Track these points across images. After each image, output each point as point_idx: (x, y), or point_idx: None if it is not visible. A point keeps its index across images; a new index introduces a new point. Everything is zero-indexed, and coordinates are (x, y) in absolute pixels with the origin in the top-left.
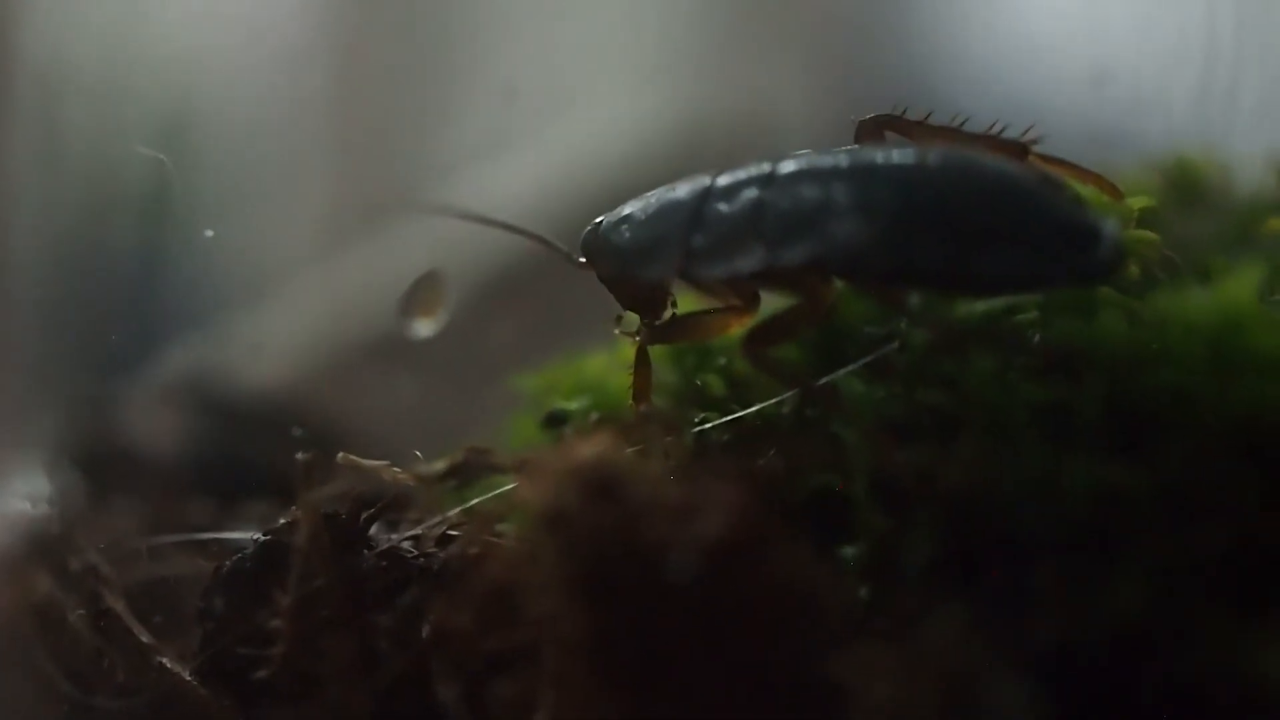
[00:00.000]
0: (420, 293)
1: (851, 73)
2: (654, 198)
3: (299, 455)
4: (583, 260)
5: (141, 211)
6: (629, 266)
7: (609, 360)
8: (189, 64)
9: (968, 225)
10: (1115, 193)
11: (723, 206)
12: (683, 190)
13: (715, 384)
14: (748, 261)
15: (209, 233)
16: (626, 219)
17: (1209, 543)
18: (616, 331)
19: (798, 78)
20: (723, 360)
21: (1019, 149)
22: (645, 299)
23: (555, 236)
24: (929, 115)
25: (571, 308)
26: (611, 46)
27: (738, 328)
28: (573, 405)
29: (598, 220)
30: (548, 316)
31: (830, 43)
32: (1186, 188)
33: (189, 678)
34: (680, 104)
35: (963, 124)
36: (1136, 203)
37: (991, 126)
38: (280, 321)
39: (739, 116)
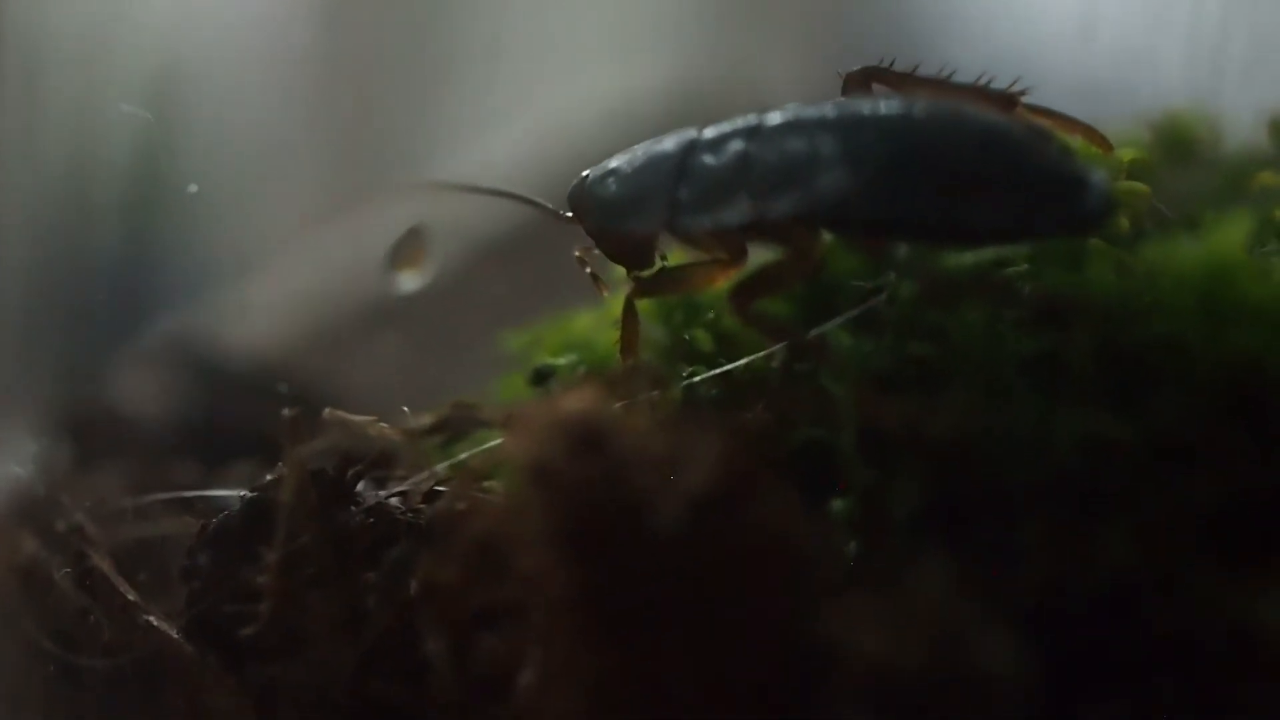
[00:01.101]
0: (406, 245)
1: (841, 32)
2: (640, 151)
3: (285, 411)
4: (569, 215)
5: (128, 176)
6: (615, 219)
7: (597, 317)
8: (174, 26)
9: (955, 175)
10: (1104, 144)
11: (709, 159)
12: (669, 143)
13: (703, 339)
14: (734, 214)
15: (193, 188)
16: (613, 172)
17: (1199, 493)
18: (605, 295)
19: (787, 39)
20: (711, 315)
21: (1007, 100)
22: (632, 252)
23: (544, 200)
24: (916, 68)
25: (560, 269)
26: (600, 10)
27: (724, 281)
28: (560, 361)
29: (584, 174)
30: (537, 278)
31: (818, 6)
32: (1176, 143)
33: (175, 635)
34: (669, 68)
35: (950, 76)
36: (1126, 154)
37: (979, 78)
38: (268, 284)
39: (728, 79)
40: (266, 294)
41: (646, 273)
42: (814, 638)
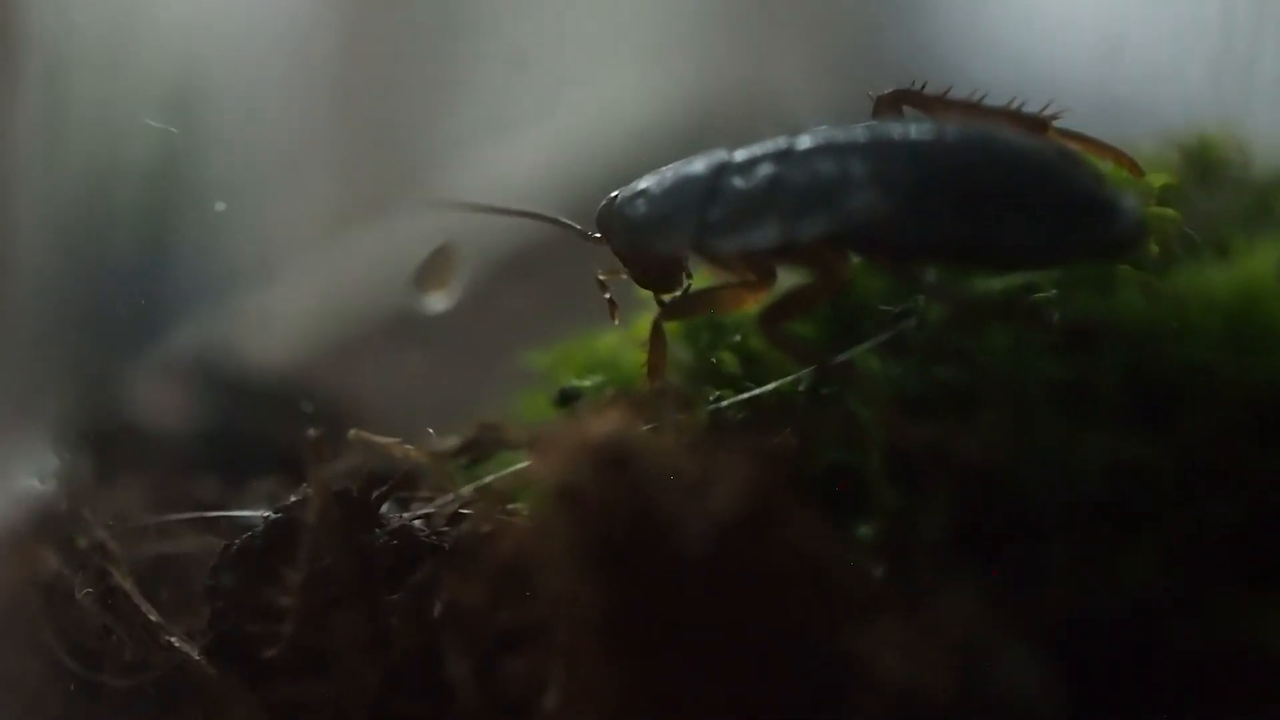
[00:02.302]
0: (433, 265)
1: (863, 45)
2: (670, 172)
3: (309, 431)
4: (597, 235)
5: (149, 185)
6: (644, 240)
7: (622, 337)
8: (195, 35)
9: (986, 198)
10: (1135, 169)
11: (739, 181)
12: (699, 164)
13: (729, 361)
14: (763, 236)
15: (220, 206)
16: (642, 193)
17: (1225, 518)
18: (616, 321)
19: (809, 52)
20: (737, 337)
21: (1038, 124)
22: (659, 274)
23: (566, 212)
24: (948, 90)
25: (583, 286)
26: (621, 21)
27: (753, 303)
28: (585, 382)
29: (613, 194)
30: (561, 296)
31: (841, 16)
32: (1205, 164)
33: (197, 656)
34: (690, 79)
35: (981, 99)
36: (1156, 179)
37: (1011, 102)
38: (290, 298)
39: (750, 91)
40: (287, 305)
41: (674, 295)
42: (840, 660)
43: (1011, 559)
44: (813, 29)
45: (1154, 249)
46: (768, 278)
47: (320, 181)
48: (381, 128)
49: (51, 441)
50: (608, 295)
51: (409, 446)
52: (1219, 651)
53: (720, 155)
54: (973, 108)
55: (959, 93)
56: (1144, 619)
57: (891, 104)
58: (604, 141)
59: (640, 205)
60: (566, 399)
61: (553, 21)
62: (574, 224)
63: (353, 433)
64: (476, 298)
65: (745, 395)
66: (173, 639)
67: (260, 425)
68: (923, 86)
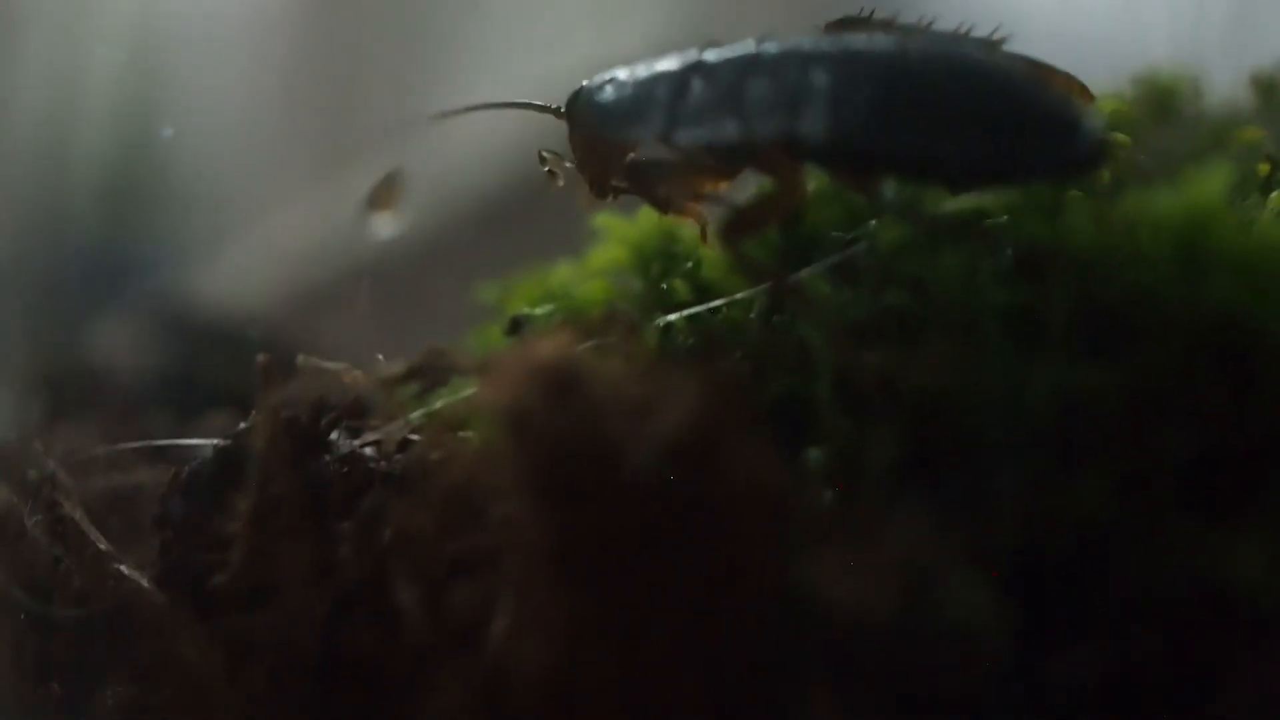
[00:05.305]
0: (382, 189)
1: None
2: (642, 65)
3: (258, 357)
4: (559, 110)
5: (109, 136)
6: (610, 123)
7: (575, 269)
8: None
9: (947, 110)
10: (1084, 93)
11: (708, 78)
12: (671, 61)
13: (682, 289)
14: (726, 131)
15: (168, 132)
16: (613, 80)
17: (1177, 445)
18: (558, 184)
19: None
20: (689, 265)
21: (986, 48)
22: (610, 165)
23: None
24: (895, 17)
25: (541, 230)
26: None
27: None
28: (537, 312)
29: (584, 82)
30: (517, 239)
31: None
32: (1158, 99)
33: (146, 585)
34: (650, 33)
35: (929, 25)
36: (1106, 105)
37: (958, 28)
38: (246, 243)
39: (707, 39)
40: (245, 252)
41: (729, 214)
42: (788, 587)
43: (960, 487)
44: None
45: (1104, 176)
46: (727, 179)
47: (279, 135)
48: (340, 84)
49: (4, 381)
50: (547, 169)
51: (358, 373)
52: (1169, 581)
53: (692, 54)
54: (921, 34)
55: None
56: (1094, 548)
57: (839, 31)
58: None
59: (609, 91)
60: (516, 327)
61: None
62: (542, 103)
63: (301, 359)
64: (433, 241)
65: (691, 310)
66: (122, 568)
67: (214, 364)
68: (871, 14)
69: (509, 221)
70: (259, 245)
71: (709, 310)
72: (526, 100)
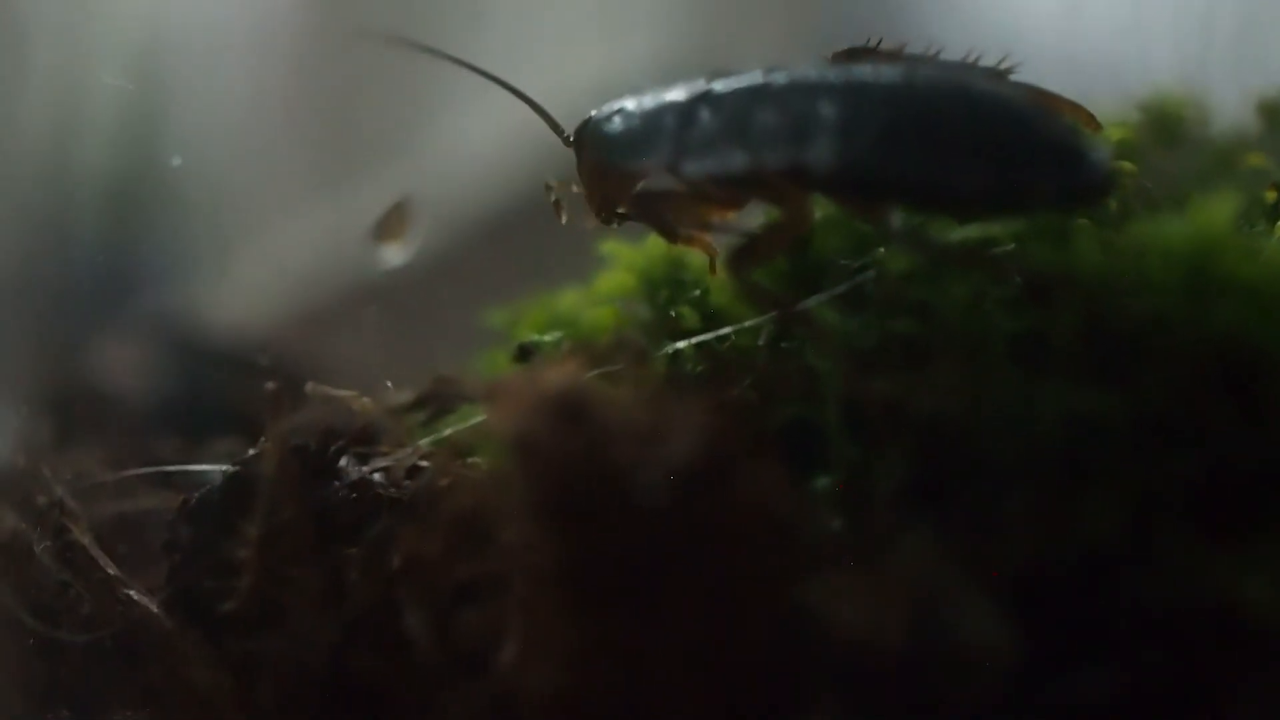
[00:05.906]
0: (391, 219)
1: (823, 7)
2: (649, 95)
3: (267, 384)
4: (569, 138)
5: (111, 151)
6: (618, 153)
7: (582, 295)
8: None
9: (955, 140)
10: (1092, 122)
11: (716, 108)
12: (678, 90)
13: (690, 316)
14: (733, 161)
15: (176, 161)
16: (620, 110)
17: (1183, 469)
18: (563, 220)
19: (770, 15)
20: (697, 292)
21: (994, 78)
22: (617, 194)
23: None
24: (903, 47)
25: (547, 251)
26: None
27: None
28: (544, 338)
29: (593, 111)
30: (523, 259)
31: None
32: (1164, 123)
33: (155, 609)
34: (654, 44)
35: (937, 55)
36: (1114, 133)
37: (966, 56)
38: (252, 261)
39: (712, 55)
40: (250, 271)
41: (737, 243)
42: (797, 611)
43: (969, 510)
44: None
45: (1112, 204)
46: (735, 208)
47: (283, 148)
48: (343, 96)
49: (11, 403)
50: (554, 199)
51: (366, 400)
52: (1177, 601)
53: (700, 84)
54: (928, 63)
55: (915, 50)
56: (1101, 571)
57: (847, 62)
58: (569, 112)
59: (617, 121)
60: (524, 354)
61: None
62: (549, 113)
63: (310, 386)
64: (439, 262)
65: (699, 339)
66: (131, 593)
67: (221, 387)
68: (878, 43)
69: (517, 242)
70: (265, 262)
71: (717, 338)
72: (541, 107)
